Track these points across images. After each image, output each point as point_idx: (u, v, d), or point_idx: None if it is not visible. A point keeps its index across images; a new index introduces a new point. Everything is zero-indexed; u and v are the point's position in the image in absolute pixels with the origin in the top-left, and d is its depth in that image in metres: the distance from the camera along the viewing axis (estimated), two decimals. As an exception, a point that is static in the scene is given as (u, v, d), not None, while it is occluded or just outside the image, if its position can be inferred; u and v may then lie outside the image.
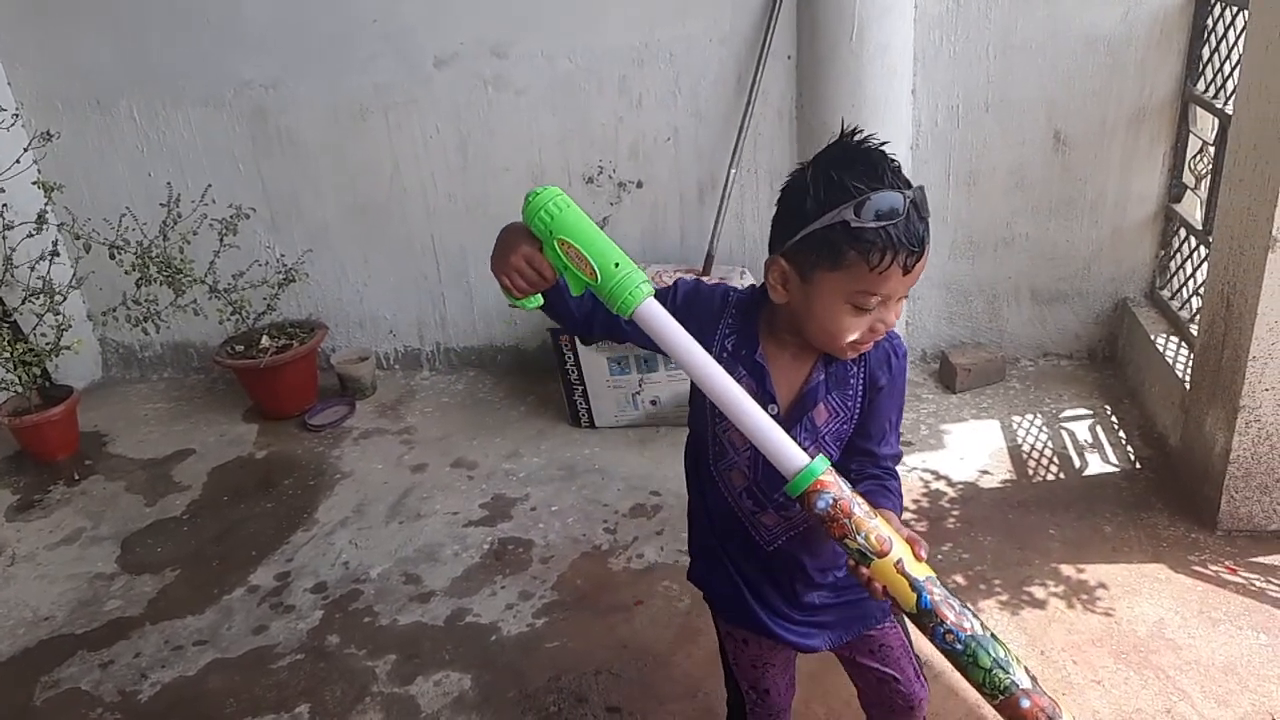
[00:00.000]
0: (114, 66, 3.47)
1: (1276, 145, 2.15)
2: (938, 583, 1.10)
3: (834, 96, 3.05)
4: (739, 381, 1.20)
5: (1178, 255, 3.15)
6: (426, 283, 3.67)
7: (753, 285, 1.34)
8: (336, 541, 2.76)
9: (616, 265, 1.10)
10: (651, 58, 3.22)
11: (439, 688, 2.19)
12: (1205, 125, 2.99)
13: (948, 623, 1.07)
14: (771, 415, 1.21)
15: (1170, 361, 2.90)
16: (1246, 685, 2.01)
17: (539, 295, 1.22)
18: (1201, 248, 2.91)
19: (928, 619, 1.08)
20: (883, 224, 1.10)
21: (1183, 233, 3.09)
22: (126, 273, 3.30)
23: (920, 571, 1.09)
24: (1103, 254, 3.29)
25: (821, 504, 1.09)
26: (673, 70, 3.23)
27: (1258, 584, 2.30)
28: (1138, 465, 2.80)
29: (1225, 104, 2.73)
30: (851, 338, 1.20)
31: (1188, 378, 2.72)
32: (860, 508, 1.10)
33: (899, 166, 1.16)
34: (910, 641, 1.52)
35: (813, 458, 1.11)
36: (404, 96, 3.38)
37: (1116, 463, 2.83)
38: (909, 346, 2.89)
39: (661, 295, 1.24)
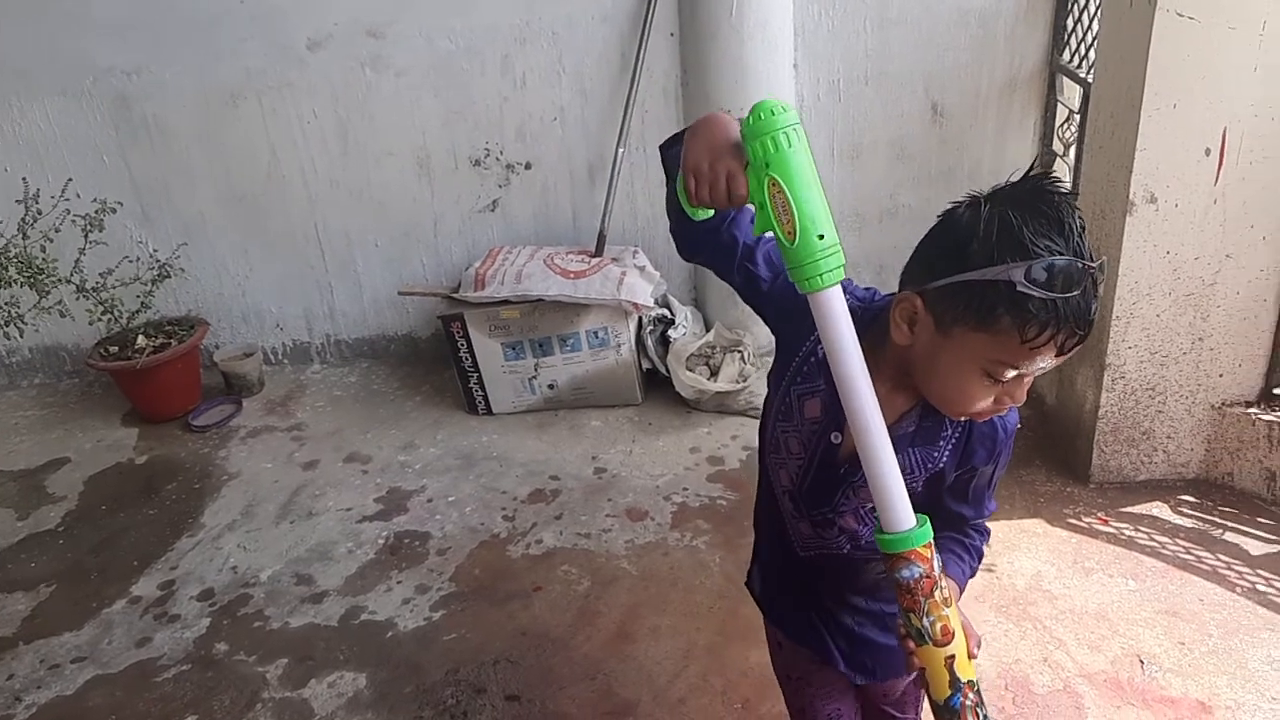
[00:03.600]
0: (-43, 55, 3.24)
1: (1130, 113, 2.24)
2: (977, 689, 1.05)
3: (717, 72, 3.05)
4: (818, 392, 1.12)
5: (1051, 221, 3.26)
6: (312, 273, 3.55)
7: (871, 291, 1.18)
8: (224, 545, 2.67)
9: (821, 238, 0.97)
10: (534, 36, 3.17)
11: (333, 689, 2.14)
12: (1072, 94, 3.09)
13: None
14: (834, 443, 1.15)
15: (1046, 324, 3.00)
16: (1117, 630, 2.12)
17: (712, 210, 1.12)
18: (1071, 213, 3.02)
19: (948, 716, 1.05)
20: (1053, 296, 0.94)
21: (1054, 199, 3.20)
22: (-18, 275, 3.10)
23: (965, 674, 1.04)
24: (982, 222, 3.39)
25: (907, 574, 1.01)
26: (556, 49, 3.18)
27: (1127, 533, 2.42)
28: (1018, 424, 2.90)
29: (1088, 74, 2.83)
30: (975, 408, 1.06)
31: (1061, 339, 2.82)
32: (941, 593, 1.03)
33: (1085, 227, 0.98)
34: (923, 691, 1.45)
35: (918, 522, 1.01)
36: (277, 80, 3.25)
37: (999, 423, 2.92)
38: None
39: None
